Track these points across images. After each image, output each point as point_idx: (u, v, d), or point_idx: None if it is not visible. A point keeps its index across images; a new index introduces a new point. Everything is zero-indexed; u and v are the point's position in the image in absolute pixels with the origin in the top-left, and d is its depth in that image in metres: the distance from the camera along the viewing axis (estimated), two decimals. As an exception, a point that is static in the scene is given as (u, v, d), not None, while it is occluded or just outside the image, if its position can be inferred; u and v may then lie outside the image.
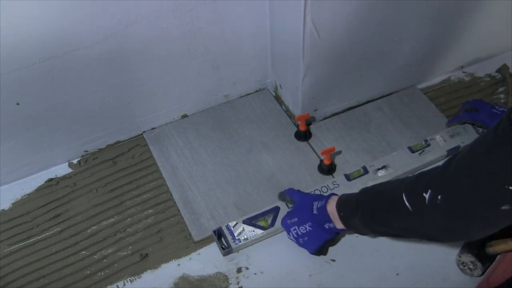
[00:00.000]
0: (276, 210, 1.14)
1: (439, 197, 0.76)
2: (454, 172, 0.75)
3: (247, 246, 1.11)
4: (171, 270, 1.09)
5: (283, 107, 1.39)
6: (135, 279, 1.08)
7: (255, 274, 1.07)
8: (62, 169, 1.28)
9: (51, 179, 1.26)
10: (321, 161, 1.22)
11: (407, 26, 1.21)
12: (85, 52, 1.08)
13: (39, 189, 1.25)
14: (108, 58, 1.12)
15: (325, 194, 1.10)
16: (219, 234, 1.11)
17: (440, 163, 0.88)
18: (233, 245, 1.09)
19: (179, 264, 1.10)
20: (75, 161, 1.29)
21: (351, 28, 1.13)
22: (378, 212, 0.90)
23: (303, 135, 1.30)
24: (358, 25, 1.13)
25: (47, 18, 0.99)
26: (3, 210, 1.21)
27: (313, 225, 1.02)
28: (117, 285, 1.07)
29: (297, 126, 1.31)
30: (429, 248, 1.09)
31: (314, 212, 1.02)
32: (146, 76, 1.21)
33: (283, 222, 1.08)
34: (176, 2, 1.09)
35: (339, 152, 1.27)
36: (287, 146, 1.29)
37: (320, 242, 1.03)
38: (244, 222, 1.12)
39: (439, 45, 1.33)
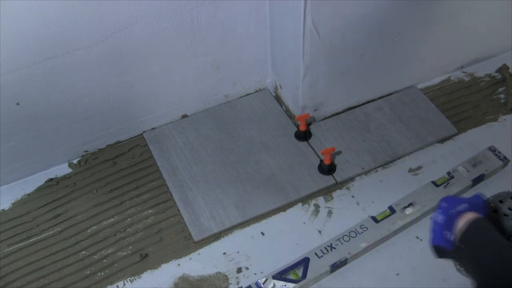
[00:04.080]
0: (305, 261, 1.07)
1: None
2: None
3: None
4: (171, 270, 1.09)
5: (283, 107, 1.39)
6: (135, 279, 1.08)
7: (255, 274, 1.07)
8: (62, 169, 1.28)
9: (51, 179, 1.26)
10: (321, 161, 1.23)
11: (407, 26, 1.21)
12: (85, 52, 1.08)
13: (39, 189, 1.25)
14: (108, 58, 1.12)
15: (354, 239, 1.08)
16: None
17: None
18: None
19: (179, 264, 1.10)
20: (75, 161, 1.29)
21: (351, 28, 1.13)
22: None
23: (303, 135, 1.30)
24: (358, 25, 1.13)
25: (47, 18, 0.99)
26: (3, 210, 1.21)
27: (437, 227, 0.95)
28: (117, 285, 1.07)
29: (297, 126, 1.31)
30: (429, 248, 1.09)
31: (451, 212, 0.94)
32: (146, 76, 1.21)
33: (445, 198, 0.98)
34: (176, 2, 1.09)
35: (339, 152, 1.27)
36: (287, 146, 1.29)
37: (437, 242, 0.95)
38: (274, 277, 1.05)
39: (439, 45, 1.33)
